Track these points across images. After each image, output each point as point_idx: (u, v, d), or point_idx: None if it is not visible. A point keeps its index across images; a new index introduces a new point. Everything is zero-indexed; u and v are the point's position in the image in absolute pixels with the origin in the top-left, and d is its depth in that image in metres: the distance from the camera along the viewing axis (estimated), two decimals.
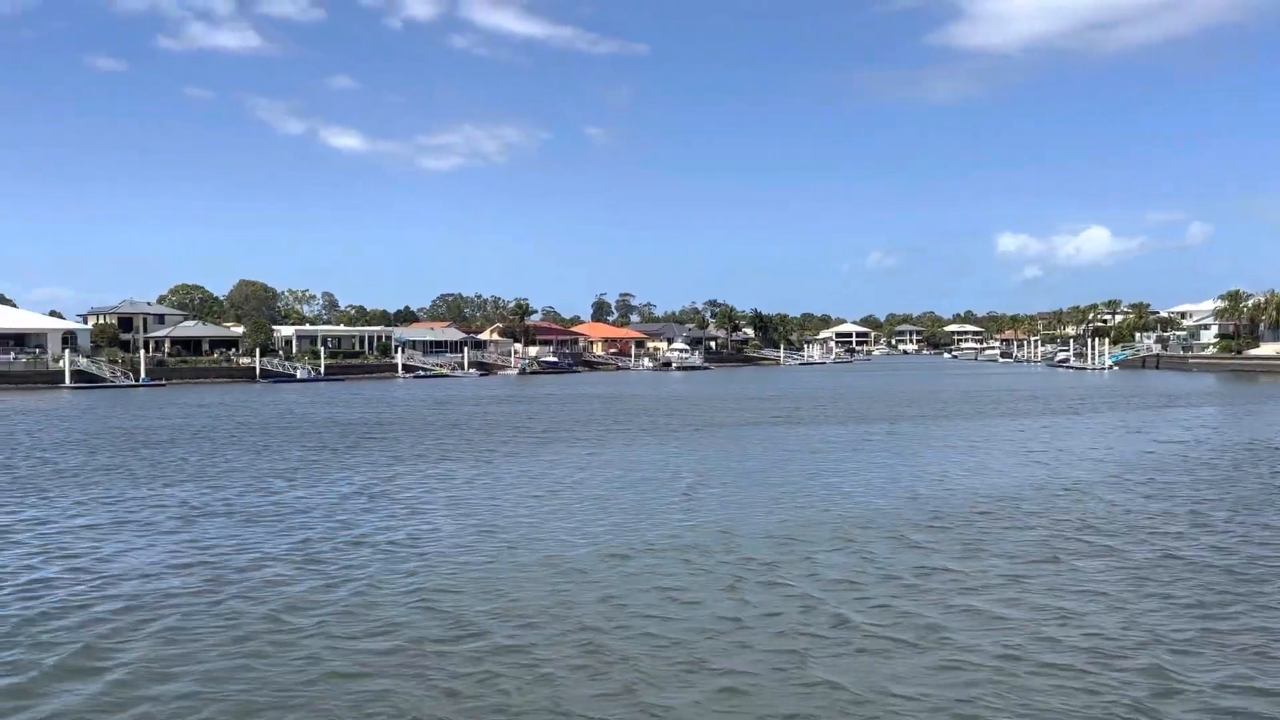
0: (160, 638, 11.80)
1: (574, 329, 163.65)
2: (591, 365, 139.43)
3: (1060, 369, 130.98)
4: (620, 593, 13.84)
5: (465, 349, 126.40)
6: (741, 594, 13.78)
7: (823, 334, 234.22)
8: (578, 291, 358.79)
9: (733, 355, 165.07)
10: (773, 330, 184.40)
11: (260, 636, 11.84)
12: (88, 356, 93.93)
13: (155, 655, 11.23)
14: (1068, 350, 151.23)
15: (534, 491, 23.20)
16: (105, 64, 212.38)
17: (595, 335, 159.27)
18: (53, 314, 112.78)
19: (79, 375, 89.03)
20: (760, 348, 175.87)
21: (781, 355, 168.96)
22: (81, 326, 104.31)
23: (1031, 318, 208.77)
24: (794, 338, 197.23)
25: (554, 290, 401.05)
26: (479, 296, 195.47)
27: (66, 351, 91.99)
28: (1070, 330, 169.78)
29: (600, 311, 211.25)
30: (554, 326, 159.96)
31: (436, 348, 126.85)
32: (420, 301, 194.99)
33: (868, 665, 10.90)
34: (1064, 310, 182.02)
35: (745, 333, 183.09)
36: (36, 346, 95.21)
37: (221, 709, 9.68)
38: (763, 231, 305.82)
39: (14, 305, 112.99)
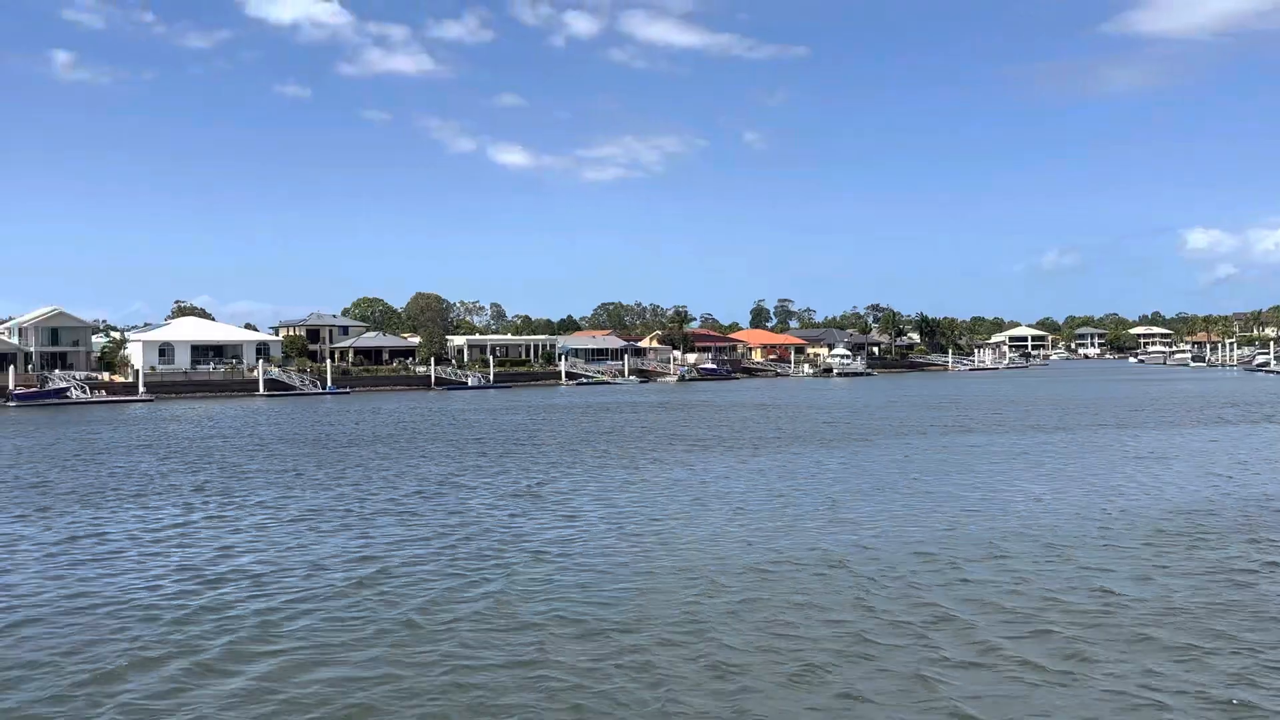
0: (317, 623, 12.64)
1: (732, 335, 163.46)
2: (750, 372, 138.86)
3: (1259, 373, 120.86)
4: (752, 603, 13.80)
5: (625, 356, 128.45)
6: (875, 608, 13.46)
7: (994, 338, 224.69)
8: (736, 298, 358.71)
9: (897, 361, 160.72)
10: (940, 335, 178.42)
11: (399, 629, 12.52)
12: (279, 366, 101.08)
13: (310, 642, 12.03)
14: (1268, 353, 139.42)
15: (682, 499, 23.41)
16: (291, 90, 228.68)
17: (754, 342, 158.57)
18: (248, 326, 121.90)
19: (271, 383, 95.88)
20: (926, 353, 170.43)
21: (949, 361, 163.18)
22: (273, 338, 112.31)
23: (1226, 318, 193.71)
24: (963, 342, 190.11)
25: (712, 297, 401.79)
26: (639, 305, 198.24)
27: (260, 361, 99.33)
28: (1270, 332, 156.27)
29: (759, 318, 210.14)
30: (712, 333, 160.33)
31: (598, 355, 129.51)
32: (582, 310, 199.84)
33: (1004, 694, 10.38)
34: (1263, 311, 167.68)
35: (910, 338, 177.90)
36: (234, 357, 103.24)
37: (360, 697, 10.28)
38: (928, 233, 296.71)
39: (213, 319, 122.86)
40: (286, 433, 46.02)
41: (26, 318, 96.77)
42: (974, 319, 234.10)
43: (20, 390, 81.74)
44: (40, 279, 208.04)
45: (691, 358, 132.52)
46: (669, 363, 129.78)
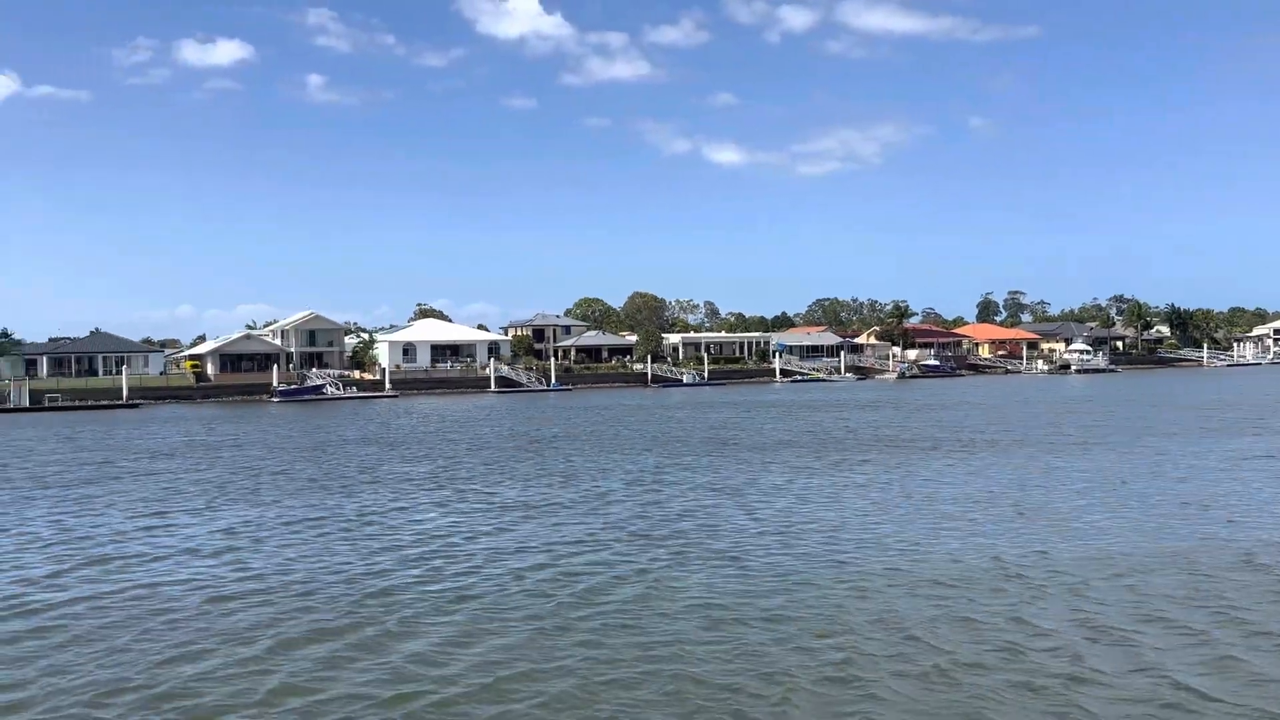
0: (475, 610, 13.22)
1: (956, 331, 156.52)
2: (976, 369, 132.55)
3: None
4: (950, 616, 13.17)
5: (842, 353, 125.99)
6: (1097, 629, 12.49)
7: (1257, 330, 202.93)
8: (961, 291, 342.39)
9: (1144, 356, 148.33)
10: (1193, 328, 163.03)
11: (551, 617, 12.88)
12: (508, 364, 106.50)
13: (469, 626, 12.61)
14: None
15: (884, 502, 22.70)
16: (519, 103, 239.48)
17: (980, 337, 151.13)
18: (480, 327, 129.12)
19: (501, 380, 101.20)
20: (1177, 347, 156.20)
21: (1204, 356, 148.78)
22: (503, 338, 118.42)
23: None
24: (1219, 335, 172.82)
25: (934, 291, 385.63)
26: (855, 300, 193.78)
27: (492, 360, 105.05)
28: None
29: (986, 312, 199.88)
30: (935, 328, 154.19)
31: (813, 352, 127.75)
32: (797, 307, 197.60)
33: None
34: None
35: (1159, 331, 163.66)
36: (468, 356, 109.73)
37: (562, 685, 10.66)
38: (1176, 219, 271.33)
39: (450, 320, 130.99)
40: (518, 427, 48.43)
41: (287, 321, 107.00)
42: (1233, 310, 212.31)
43: (282, 387, 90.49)
44: (299, 285, 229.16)
45: (912, 354, 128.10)
46: (888, 359, 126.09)
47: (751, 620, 13.10)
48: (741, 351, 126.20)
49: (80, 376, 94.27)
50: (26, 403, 79.46)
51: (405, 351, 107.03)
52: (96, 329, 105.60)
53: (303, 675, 11.25)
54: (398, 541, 19.10)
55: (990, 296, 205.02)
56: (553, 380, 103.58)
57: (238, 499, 25.44)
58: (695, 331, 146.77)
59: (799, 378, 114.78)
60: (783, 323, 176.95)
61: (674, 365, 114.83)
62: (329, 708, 10.28)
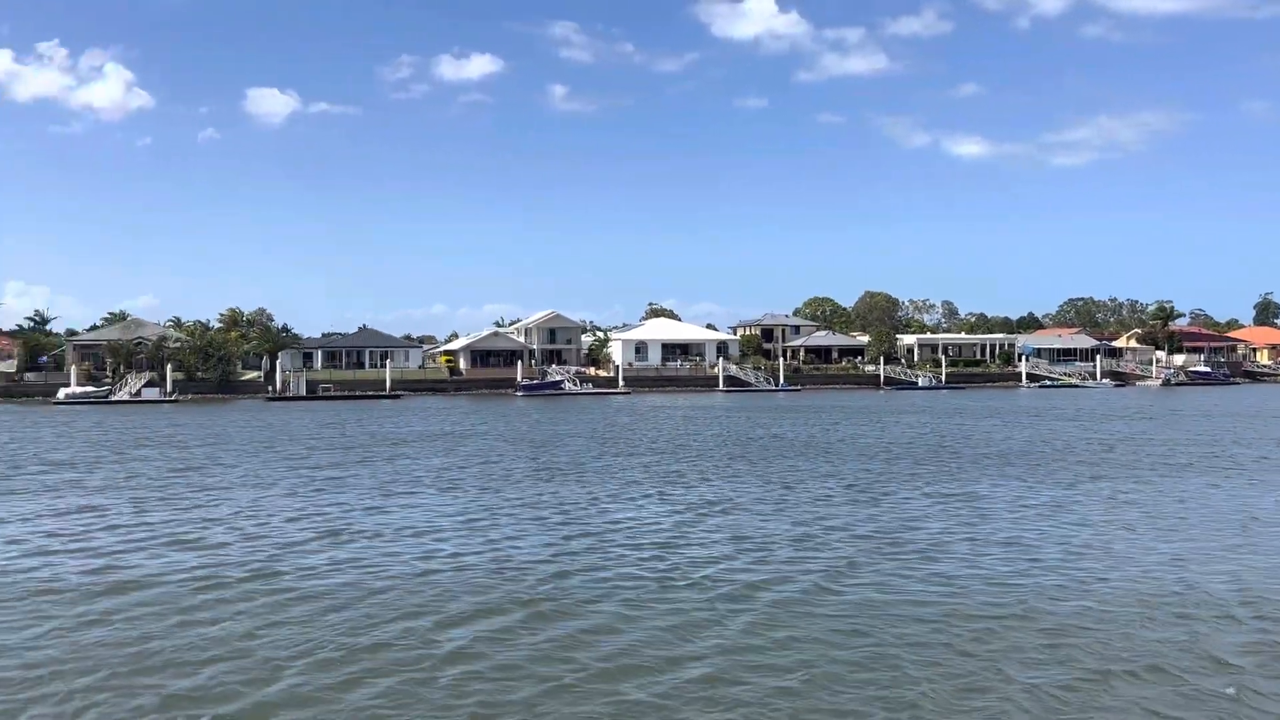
0: (676, 607, 13.21)
1: (1231, 334, 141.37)
2: (1254, 376, 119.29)
3: None
4: (1197, 650, 11.89)
5: (1097, 357, 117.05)
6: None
7: None
8: (1235, 291, 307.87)
9: None
10: None
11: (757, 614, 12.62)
12: (736, 363, 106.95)
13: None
14: None
15: (1123, 527, 20.84)
16: (751, 103, 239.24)
17: (1259, 341, 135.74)
18: (709, 326, 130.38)
19: (730, 380, 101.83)
20: None
21: None
22: (731, 337, 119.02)
23: None
24: None
25: (1205, 291, 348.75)
26: (1113, 300, 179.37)
27: (720, 359, 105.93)
28: None
29: (1265, 314, 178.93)
30: (1204, 331, 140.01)
31: (1064, 356, 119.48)
32: (1045, 307, 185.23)
33: None
34: None
35: None
36: (697, 355, 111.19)
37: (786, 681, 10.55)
38: None
39: (680, 320, 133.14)
40: (743, 427, 48.61)
41: (530, 320, 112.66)
42: None
43: (525, 382, 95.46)
44: (541, 286, 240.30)
45: (1179, 359, 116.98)
46: (1151, 364, 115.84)
47: (958, 628, 12.50)
48: (983, 354, 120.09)
49: (349, 369, 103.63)
50: (304, 391, 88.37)
51: (637, 350, 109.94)
52: (364, 325, 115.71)
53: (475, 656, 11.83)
54: (619, 531, 19.65)
55: (1269, 297, 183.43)
56: (781, 380, 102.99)
57: (472, 484, 27.07)
58: (932, 332, 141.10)
59: (1048, 383, 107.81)
60: (1029, 324, 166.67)
61: (908, 367, 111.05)
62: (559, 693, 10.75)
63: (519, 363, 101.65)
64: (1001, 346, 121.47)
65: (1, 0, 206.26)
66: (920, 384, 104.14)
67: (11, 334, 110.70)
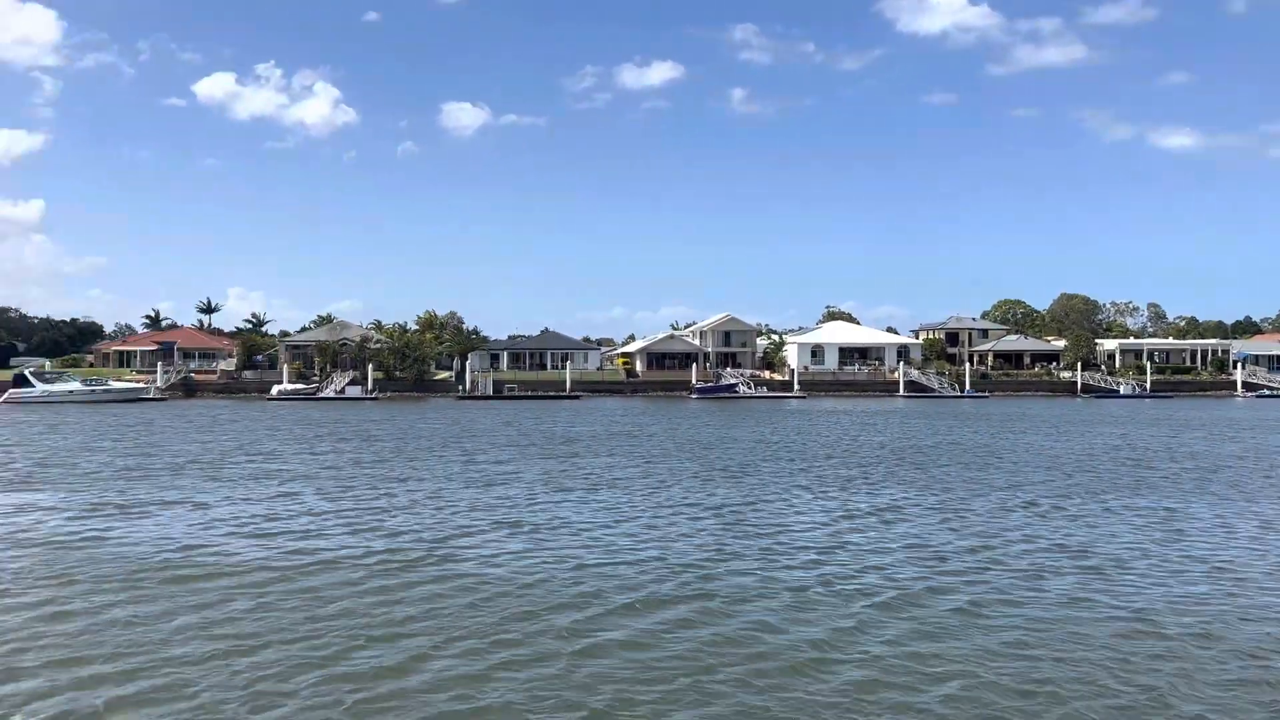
0: (881, 610, 12.81)
1: None
2: None
3: None
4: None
5: None
6: None
7: None
8: None
9: None
10: None
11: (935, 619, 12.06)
12: (918, 368, 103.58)
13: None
14: None
15: None
16: (938, 99, 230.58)
17: None
18: (889, 330, 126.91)
19: (911, 385, 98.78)
20: None
21: None
22: (913, 341, 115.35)
23: None
24: None
25: None
26: None
27: (901, 364, 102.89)
28: None
29: None
30: None
31: None
32: (1265, 311, 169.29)
33: None
34: None
35: None
36: (876, 359, 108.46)
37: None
38: None
39: (858, 323, 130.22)
40: (919, 434, 47.09)
41: (705, 323, 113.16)
42: None
43: (700, 384, 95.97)
44: (717, 289, 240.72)
45: None
46: None
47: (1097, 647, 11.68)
48: (1193, 360, 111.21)
49: (532, 369, 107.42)
50: (490, 391, 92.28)
51: (814, 353, 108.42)
52: (546, 328, 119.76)
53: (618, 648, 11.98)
54: (780, 533, 19.50)
55: None
56: (967, 386, 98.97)
57: (638, 482, 27.51)
58: (1135, 337, 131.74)
59: (1266, 393, 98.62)
60: (1246, 328, 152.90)
61: (1108, 374, 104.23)
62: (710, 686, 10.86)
63: (694, 365, 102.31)
64: (1214, 353, 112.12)
65: (224, 26, 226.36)
66: (1121, 392, 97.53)
67: (232, 335, 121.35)
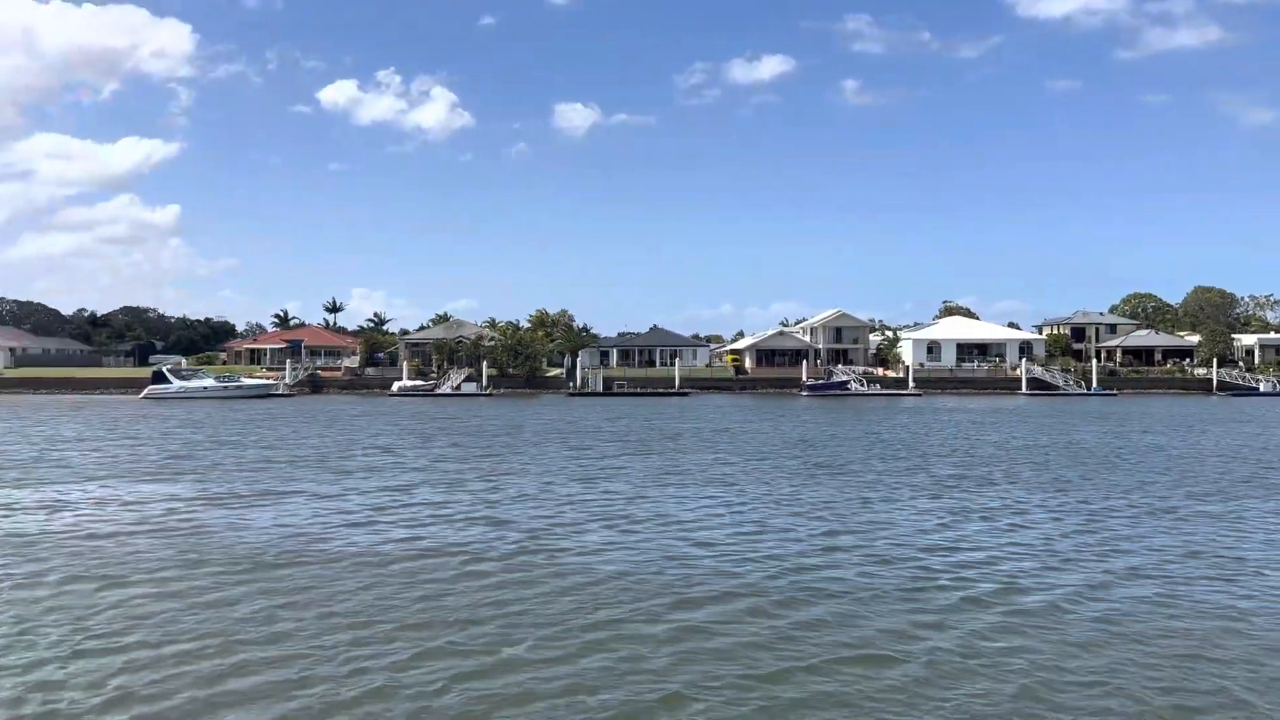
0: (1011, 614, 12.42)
1: None
2: None
3: None
4: None
5: None
6: None
7: None
8: None
9: None
10: None
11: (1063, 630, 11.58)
12: (1041, 365, 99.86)
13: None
14: None
15: None
16: (1062, 85, 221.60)
17: None
18: (1010, 325, 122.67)
19: (1034, 382, 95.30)
20: None
21: None
22: (1036, 337, 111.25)
23: None
24: None
25: None
26: None
27: (1023, 360, 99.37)
28: None
29: None
30: None
31: None
32: None
33: None
34: None
35: None
36: (996, 355, 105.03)
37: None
38: None
39: (977, 318, 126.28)
40: (1044, 432, 45.47)
41: (816, 319, 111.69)
42: None
43: (810, 381, 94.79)
44: (828, 285, 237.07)
45: None
46: None
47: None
48: None
49: (641, 367, 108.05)
50: (600, 388, 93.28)
51: (929, 350, 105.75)
52: (655, 325, 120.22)
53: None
54: (881, 531, 19.15)
55: None
56: (1094, 384, 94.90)
57: (741, 478, 27.40)
58: (1276, 331, 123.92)
59: None
60: None
61: (1246, 371, 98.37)
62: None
63: (804, 362, 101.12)
64: None
65: (346, 35, 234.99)
66: (1261, 389, 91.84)
67: (355, 333, 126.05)
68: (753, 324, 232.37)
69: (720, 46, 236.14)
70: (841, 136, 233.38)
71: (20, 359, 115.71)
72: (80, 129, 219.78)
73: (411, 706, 9.87)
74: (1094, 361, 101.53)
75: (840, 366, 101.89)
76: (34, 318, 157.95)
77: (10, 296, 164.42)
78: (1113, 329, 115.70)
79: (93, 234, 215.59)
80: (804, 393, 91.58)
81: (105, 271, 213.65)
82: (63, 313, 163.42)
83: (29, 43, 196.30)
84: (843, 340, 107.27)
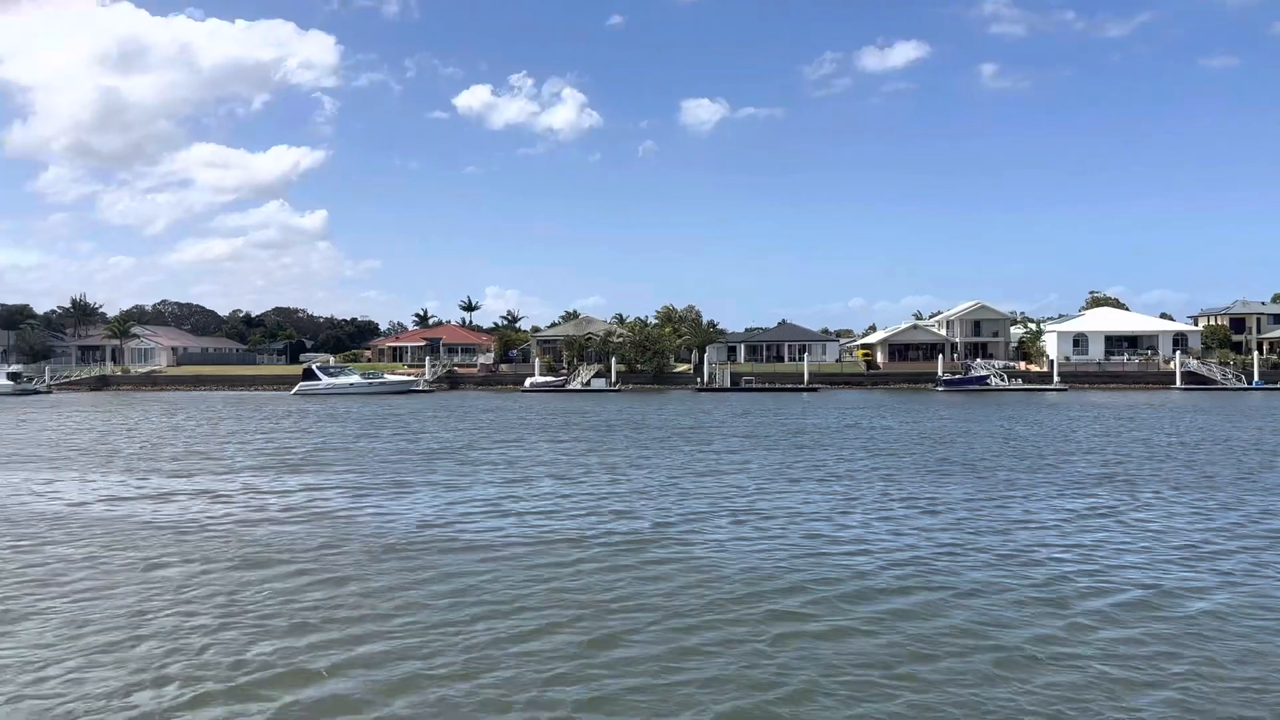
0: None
1: None
2: None
3: None
4: None
5: None
6: None
7: None
8: None
9: None
10: None
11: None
12: (1197, 358, 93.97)
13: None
14: None
15: None
16: (1218, 62, 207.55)
17: None
18: (1163, 316, 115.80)
19: (1189, 376, 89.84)
20: None
21: None
22: (1191, 328, 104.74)
23: None
24: None
25: None
26: None
27: (1177, 353, 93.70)
28: None
29: None
30: None
31: None
32: None
33: None
34: None
35: None
36: (1148, 348, 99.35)
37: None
38: None
39: (1126, 309, 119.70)
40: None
41: (952, 312, 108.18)
42: None
43: (946, 376, 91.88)
44: (964, 276, 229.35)
45: None
46: None
47: None
48: None
49: (769, 362, 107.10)
50: (727, 383, 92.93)
51: (1075, 343, 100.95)
52: (783, 320, 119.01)
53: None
54: (1015, 532, 18.40)
55: None
56: (1255, 377, 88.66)
57: (864, 474, 26.78)
58: None
59: None
60: None
61: None
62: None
63: (940, 356, 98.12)
64: None
65: (481, 40, 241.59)
66: None
67: (489, 331, 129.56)
68: (883, 318, 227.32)
69: (850, 35, 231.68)
70: (978, 122, 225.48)
71: (181, 358, 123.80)
72: (234, 139, 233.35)
73: (533, 695, 10.05)
74: (1255, 354, 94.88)
75: (979, 360, 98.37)
76: (194, 319, 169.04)
77: (173, 299, 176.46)
78: (1276, 319, 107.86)
79: (246, 239, 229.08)
80: (939, 388, 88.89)
81: (258, 274, 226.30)
82: (219, 313, 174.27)
83: (187, 59, 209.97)
84: (981, 333, 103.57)
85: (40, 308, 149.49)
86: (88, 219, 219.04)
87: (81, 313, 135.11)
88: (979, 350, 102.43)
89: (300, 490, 24.32)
